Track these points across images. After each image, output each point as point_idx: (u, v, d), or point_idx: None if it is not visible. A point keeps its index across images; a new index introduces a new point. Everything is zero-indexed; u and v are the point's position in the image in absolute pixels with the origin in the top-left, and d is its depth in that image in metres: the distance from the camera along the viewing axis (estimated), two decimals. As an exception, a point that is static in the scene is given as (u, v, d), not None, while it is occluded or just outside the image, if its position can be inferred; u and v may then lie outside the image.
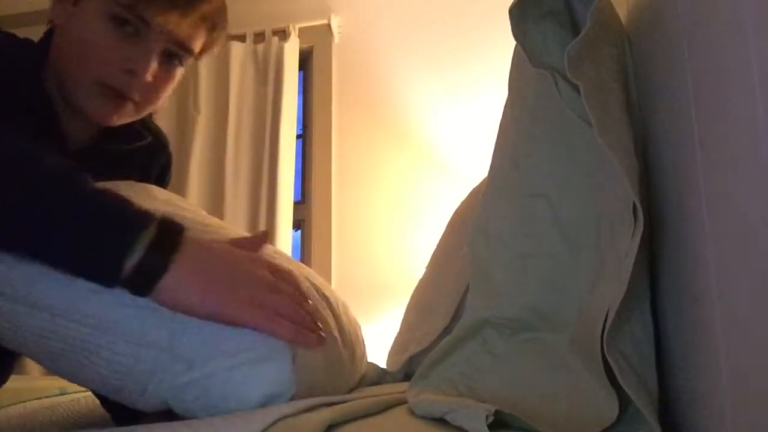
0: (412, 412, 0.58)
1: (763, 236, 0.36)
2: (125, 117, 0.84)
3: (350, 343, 0.77)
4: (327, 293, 0.76)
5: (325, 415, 0.49)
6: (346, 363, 0.74)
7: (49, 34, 0.83)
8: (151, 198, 0.72)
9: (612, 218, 0.60)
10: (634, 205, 0.53)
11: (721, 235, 0.44)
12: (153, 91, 0.82)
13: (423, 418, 0.55)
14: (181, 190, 2.27)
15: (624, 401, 0.52)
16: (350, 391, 0.79)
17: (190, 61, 0.86)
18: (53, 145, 0.80)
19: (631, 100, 0.69)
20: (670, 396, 0.58)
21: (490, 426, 0.46)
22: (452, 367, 0.63)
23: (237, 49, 2.42)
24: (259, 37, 2.46)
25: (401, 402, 0.63)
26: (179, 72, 0.85)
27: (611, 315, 0.52)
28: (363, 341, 0.87)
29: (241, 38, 2.46)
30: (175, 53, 0.82)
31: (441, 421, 0.53)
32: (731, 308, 0.42)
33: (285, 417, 0.49)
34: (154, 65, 0.79)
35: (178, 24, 0.79)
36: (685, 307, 0.54)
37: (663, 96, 0.60)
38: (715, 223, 0.45)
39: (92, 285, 0.55)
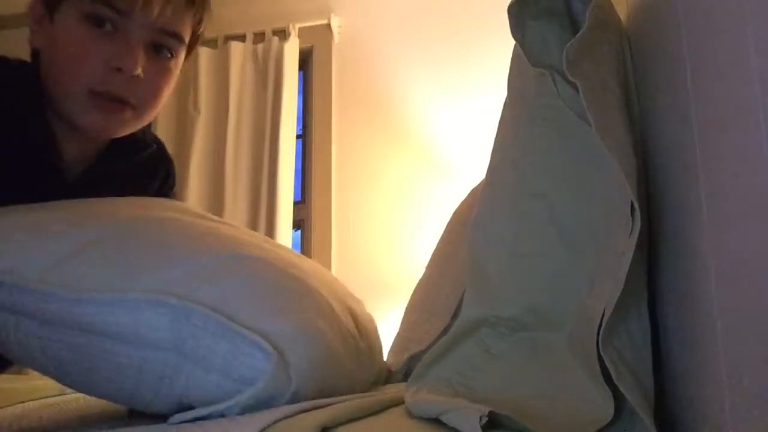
0: (409, 413, 0.57)
1: (763, 235, 0.36)
2: (125, 126, 0.80)
3: (366, 336, 0.76)
4: (338, 288, 0.76)
5: (321, 416, 0.49)
6: (364, 355, 0.73)
7: (35, 59, 0.80)
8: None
9: (610, 218, 0.60)
10: (632, 203, 0.53)
11: (720, 235, 0.44)
12: (149, 89, 0.78)
13: (419, 418, 0.55)
14: (181, 191, 2.27)
15: (620, 400, 0.52)
16: (374, 383, 0.78)
17: (182, 51, 0.81)
18: (47, 179, 0.78)
19: (631, 100, 0.69)
20: (669, 396, 0.58)
21: (485, 426, 0.46)
22: (449, 367, 0.63)
23: (237, 49, 2.42)
24: (259, 37, 2.46)
25: (398, 402, 0.63)
26: (174, 65, 0.80)
27: (608, 313, 0.51)
28: (378, 335, 0.85)
29: (241, 38, 2.46)
30: (163, 44, 0.77)
31: (437, 421, 0.53)
32: (730, 307, 0.42)
33: (281, 419, 0.49)
34: (141, 57, 0.74)
35: (160, 10, 0.74)
36: (685, 307, 0.53)
37: (663, 95, 0.60)
38: (714, 222, 0.45)
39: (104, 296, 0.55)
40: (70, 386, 0.63)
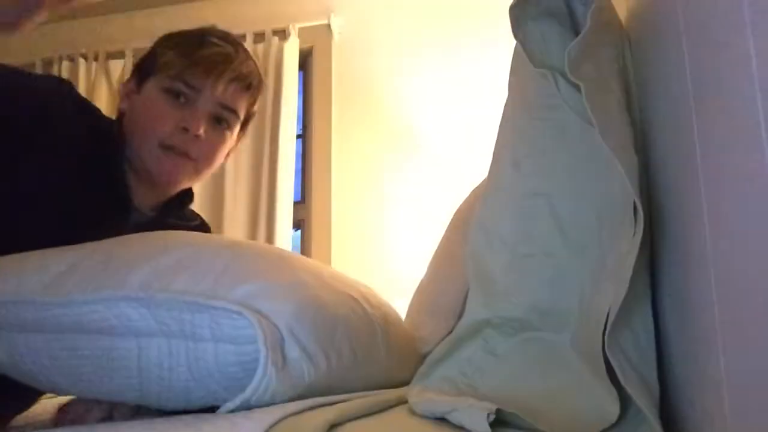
0: (413, 412, 0.58)
1: (763, 236, 0.36)
2: (186, 176, 0.99)
3: (380, 308, 0.76)
4: (342, 276, 0.76)
5: (327, 415, 0.50)
6: (381, 329, 0.72)
7: (120, 119, 1.00)
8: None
9: (612, 217, 0.60)
10: (635, 204, 0.53)
11: (721, 235, 0.44)
12: (207, 148, 0.98)
13: (424, 417, 0.55)
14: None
15: (625, 400, 0.52)
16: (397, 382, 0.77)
17: (237, 124, 1.02)
18: (121, 219, 0.96)
19: (631, 100, 0.69)
20: (671, 395, 0.58)
21: (491, 425, 0.47)
22: (453, 367, 0.63)
23: (237, 49, 2.42)
24: (259, 37, 2.46)
25: (403, 401, 0.63)
26: (228, 134, 1.01)
27: (612, 314, 0.52)
28: (399, 316, 0.85)
29: (241, 38, 2.46)
30: (222, 117, 0.98)
31: (442, 420, 0.53)
32: (730, 307, 0.43)
33: (287, 416, 0.49)
34: (204, 123, 0.95)
35: (223, 90, 0.96)
36: (686, 307, 0.54)
37: (663, 96, 0.60)
38: (715, 222, 0.45)
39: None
40: (84, 395, 0.66)
